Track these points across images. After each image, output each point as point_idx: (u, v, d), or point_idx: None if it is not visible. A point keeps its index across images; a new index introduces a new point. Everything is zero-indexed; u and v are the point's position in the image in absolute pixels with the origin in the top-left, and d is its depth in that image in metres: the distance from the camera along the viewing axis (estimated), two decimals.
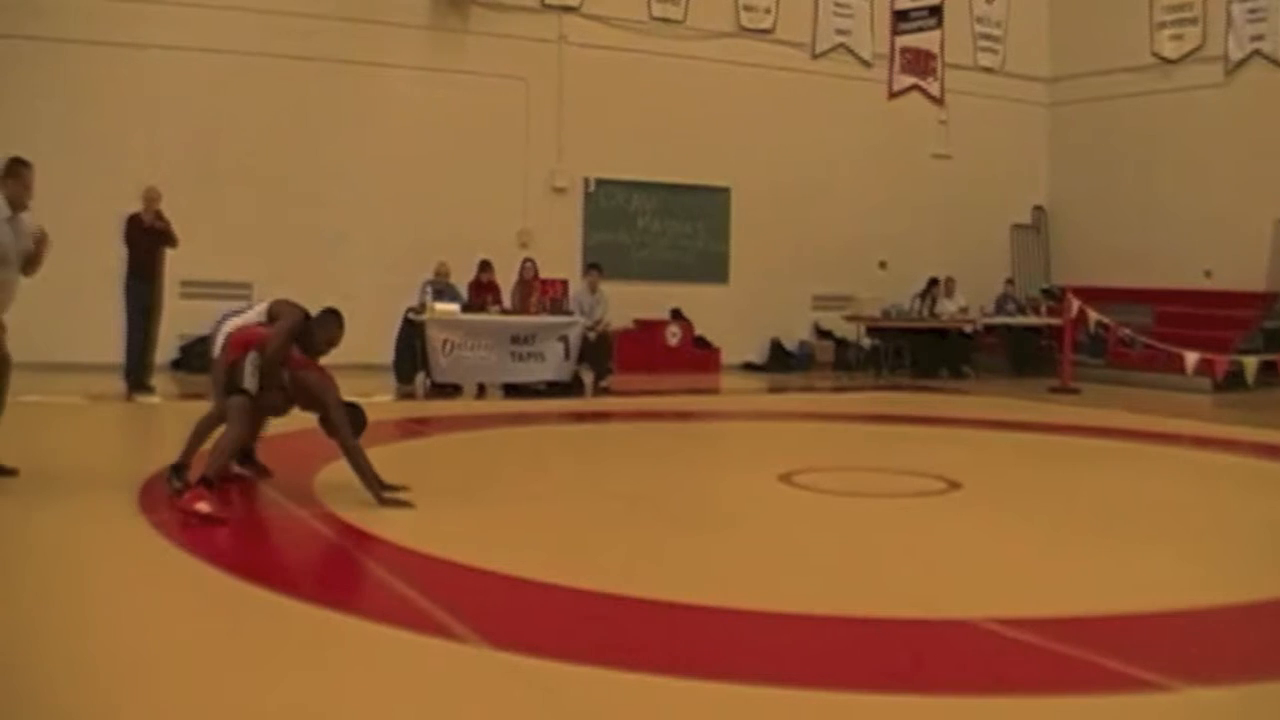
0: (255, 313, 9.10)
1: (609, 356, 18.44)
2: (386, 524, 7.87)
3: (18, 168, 9.17)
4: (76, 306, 16.46)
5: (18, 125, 16.90)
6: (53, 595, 6.27)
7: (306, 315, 9.01)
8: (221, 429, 8.77)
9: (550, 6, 21.46)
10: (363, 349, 17.58)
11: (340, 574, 7.11)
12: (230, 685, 4.97)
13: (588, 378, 17.79)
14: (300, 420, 12.56)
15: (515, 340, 16.96)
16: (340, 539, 7.67)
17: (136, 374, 15.08)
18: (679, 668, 5.22)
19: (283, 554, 7.66)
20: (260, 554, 7.76)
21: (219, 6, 18.66)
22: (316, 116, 19.66)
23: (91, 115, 18.10)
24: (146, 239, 15.28)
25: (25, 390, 12.31)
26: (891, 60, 23.41)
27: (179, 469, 8.66)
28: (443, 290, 17.28)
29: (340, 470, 8.74)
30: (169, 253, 15.43)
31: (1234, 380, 18.99)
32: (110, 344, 15.52)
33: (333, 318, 9.15)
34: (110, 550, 7.48)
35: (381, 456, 11.32)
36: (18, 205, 9.11)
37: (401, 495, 8.63)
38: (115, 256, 15.31)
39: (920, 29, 23.48)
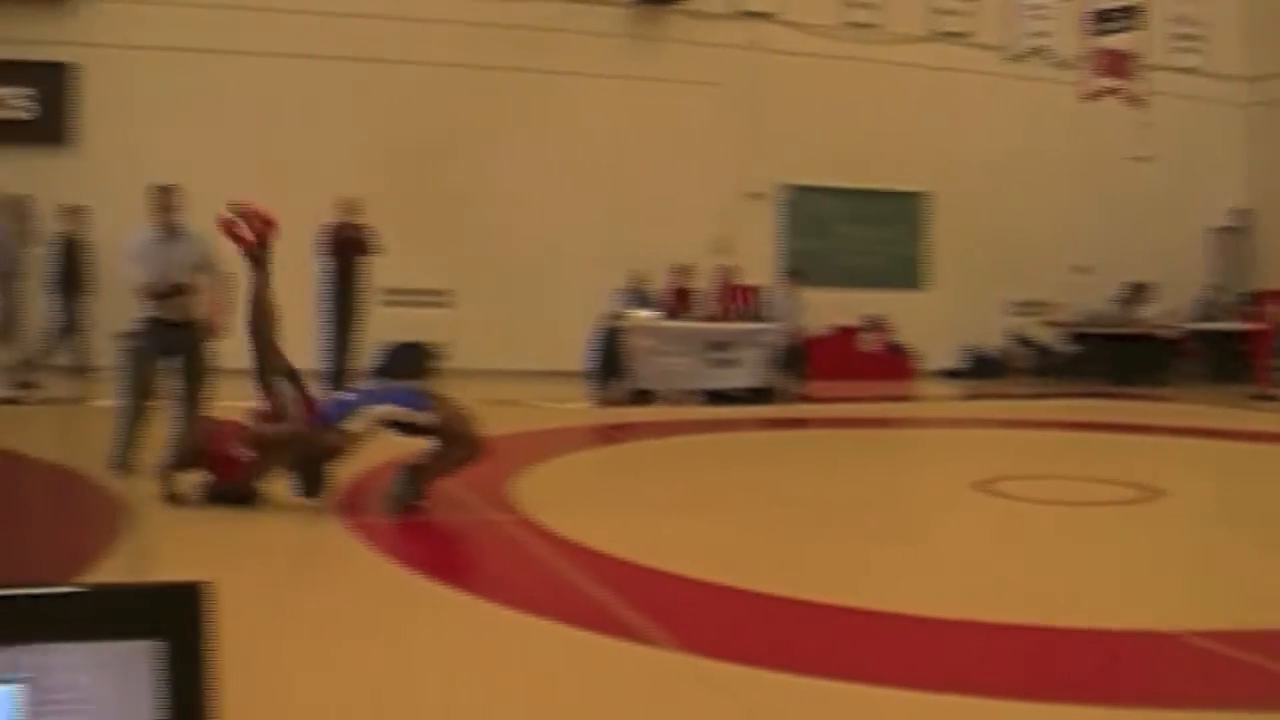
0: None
1: (804, 363, 18.48)
2: (581, 528, 7.99)
3: (154, 192, 9.96)
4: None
5: (215, 136, 17.54)
6: (260, 600, 6.42)
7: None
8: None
9: (745, 13, 21.56)
10: (559, 356, 18.01)
11: (535, 578, 7.21)
12: (422, 686, 5.13)
13: (785, 384, 17.87)
14: (497, 424, 12.86)
15: (713, 347, 17.05)
16: (536, 544, 7.79)
17: (336, 381, 15.46)
18: (868, 675, 5.26)
19: (479, 558, 7.86)
20: (457, 558, 8.02)
21: (414, 19, 19.04)
22: (513, 126, 19.92)
23: (289, 127, 18.62)
24: (342, 248, 15.61)
25: (229, 397, 12.80)
26: (1088, 62, 23.14)
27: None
28: (638, 298, 17.47)
29: (533, 475, 8.86)
30: (374, 261, 15.69)
31: None
32: (311, 351, 15.86)
33: None
34: (309, 553, 7.80)
35: (581, 463, 11.60)
36: (165, 228, 9.89)
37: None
38: (315, 265, 15.65)
39: (1118, 30, 23.17)
